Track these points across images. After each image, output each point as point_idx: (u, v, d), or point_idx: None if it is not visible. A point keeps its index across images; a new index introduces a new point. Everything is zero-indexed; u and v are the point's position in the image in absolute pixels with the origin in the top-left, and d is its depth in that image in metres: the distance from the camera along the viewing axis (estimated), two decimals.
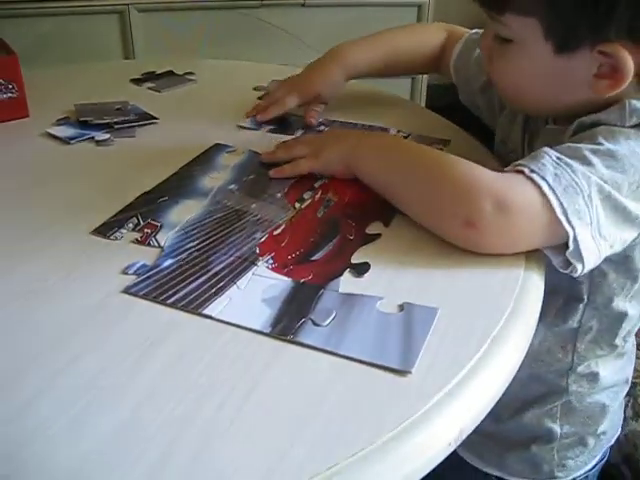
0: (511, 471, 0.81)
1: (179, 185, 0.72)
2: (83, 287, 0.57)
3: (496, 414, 0.78)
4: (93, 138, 0.82)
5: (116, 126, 0.84)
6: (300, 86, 0.87)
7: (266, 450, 0.42)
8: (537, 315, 0.57)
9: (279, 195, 0.70)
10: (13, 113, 0.86)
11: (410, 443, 0.43)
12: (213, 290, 0.56)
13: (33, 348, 0.50)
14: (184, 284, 0.57)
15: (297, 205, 0.68)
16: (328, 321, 0.52)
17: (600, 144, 0.58)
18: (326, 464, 0.41)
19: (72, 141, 0.81)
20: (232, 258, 0.60)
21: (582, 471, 0.81)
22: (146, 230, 0.64)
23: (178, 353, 0.50)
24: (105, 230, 0.64)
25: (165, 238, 0.63)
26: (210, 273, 0.58)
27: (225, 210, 0.67)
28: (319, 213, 0.67)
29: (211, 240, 0.62)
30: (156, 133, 0.85)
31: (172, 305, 0.54)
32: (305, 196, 0.69)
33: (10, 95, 0.85)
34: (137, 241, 0.63)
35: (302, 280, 0.57)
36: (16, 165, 0.77)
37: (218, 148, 0.80)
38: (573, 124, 0.63)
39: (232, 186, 0.72)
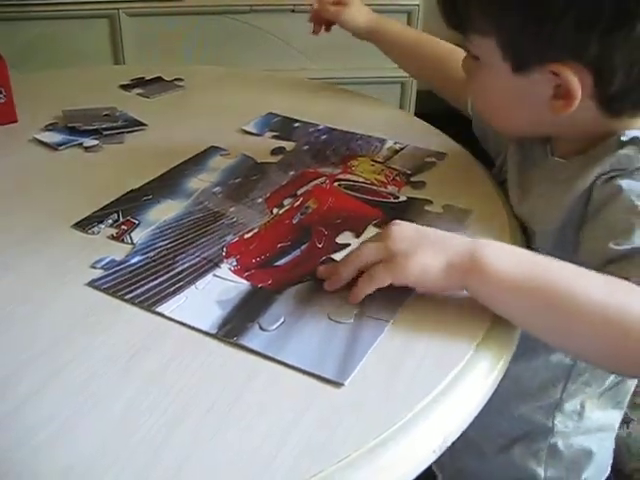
0: None
1: (166, 185, 0.73)
2: (62, 286, 0.58)
3: (481, 449, 0.77)
4: (81, 144, 0.82)
5: (104, 132, 0.85)
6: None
7: (251, 458, 0.42)
8: None
9: (260, 200, 0.70)
10: (1, 118, 0.86)
11: (394, 450, 0.43)
12: (171, 289, 0.57)
13: (16, 357, 0.51)
14: (145, 281, 0.58)
15: (275, 210, 0.68)
16: (275, 326, 0.52)
17: None
18: (311, 471, 0.41)
19: (60, 147, 0.82)
20: (198, 259, 0.61)
21: None
22: (123, 227, 0.66)
23: (164, 362, 0.50)
24: (85, 224, 0.66)
25: (139, 235, 0.64)
26: (173, 272, 0.59)
27: (203, 212, 0.68)
28: (295, 219, 0.67)
29: (182, 240, 0.63)
30: (145, 139, 0.85)
31: (129, 301, 0.56)
32: (285, 202, 0.70)
33: None
34: (113, 237, 0.64)
35: (260, 285, 0.57)
36: (4, 171, 0.78)
37: (212, 151, 0.81)
38: (589, 177, 0.60)
39: (216, 188, 0.73)
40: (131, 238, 0.64)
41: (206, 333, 0.52)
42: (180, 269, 0.59)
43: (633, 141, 0.59)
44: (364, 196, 0.71)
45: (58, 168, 0.78)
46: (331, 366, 0.49)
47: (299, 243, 0.63)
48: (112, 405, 0.46)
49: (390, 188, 0.73)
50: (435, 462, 0.47)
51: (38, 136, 0.84)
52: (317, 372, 0.48)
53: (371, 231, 0.65)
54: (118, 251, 0.62)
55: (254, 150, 0.81)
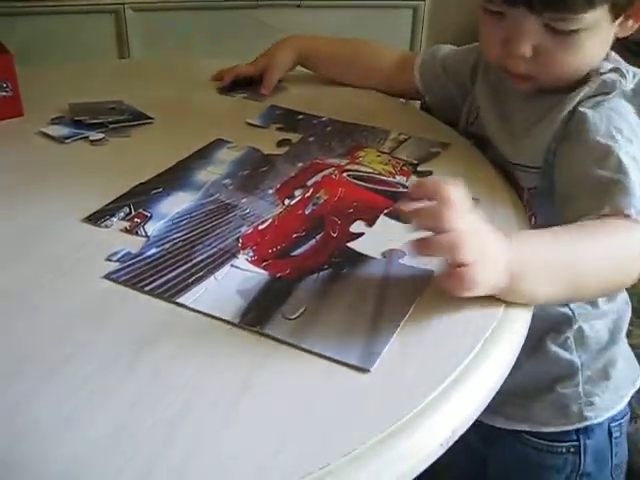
0: (539, 420, 0.80)
1: (175, 177, 0.73)
2: (72, 279, 0.58)
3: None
4: (87, 137, 0.82)
5: (110, 126, 0.84)
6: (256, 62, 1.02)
7: (258, 450, 0.42)
8: (529, 315, 0.57)
9: (270, 191, 0.71)
10: (7, 112, 0.86)
11: (402, 444, 0.44)
12: (190, 280, 0.57)
13: (24, 348, 0.51)
14: (163, 273, 0.58)
15: (287, 202, 0.69)
16: (297, 314, 0.53)
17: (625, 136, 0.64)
18: (318, 464, 0.41)
19: (66, 140, 0.81)
20: (214, 250, 0.61)
21: (612, 412, 0.80)
22: (136, 220, 0.66)
23: (170, 354, 0.50)
24: (96, 218, 0.66)
25: (152, 228, 0.64)
26: (190, 263, 0.59)
27: (215, 203, 0.69)
28: (307, 210, 0.67)
29: (197, 232, 0.64)
30: (151, 133, 0.85)
31: (149, 293, 0.56)
32: (296, 193, 0.70)
33: (4, 94, 0.86)
34: (126, 230, 0.64)
35: (278, 274, 0.58)
36: (10, 164, 0.77)
37: (219, 143, 0.81)
38: (574, 101, 0.69)
39: (226, 180, 0.73)
40: (145, 230, 0.64)
41: (227, 322, 0.52)
42: (198, 260, 0.59)
43: (613, 70, 0.70)
44: (374, 186, 0.72)
45: (64, 161, 0.78)
46: (355, 353, 0.49)
47: (313, 233, 0.64)
48: (117, 398, 0.46)
49: (398, 178, 0.74)
50: None
51: (44, 129, 0.83)
52: (342, 359, 0.49)
53: (383, 221, 0.66)
54: (132, 244, 0.62)
55: (260, 142, 0.81)
